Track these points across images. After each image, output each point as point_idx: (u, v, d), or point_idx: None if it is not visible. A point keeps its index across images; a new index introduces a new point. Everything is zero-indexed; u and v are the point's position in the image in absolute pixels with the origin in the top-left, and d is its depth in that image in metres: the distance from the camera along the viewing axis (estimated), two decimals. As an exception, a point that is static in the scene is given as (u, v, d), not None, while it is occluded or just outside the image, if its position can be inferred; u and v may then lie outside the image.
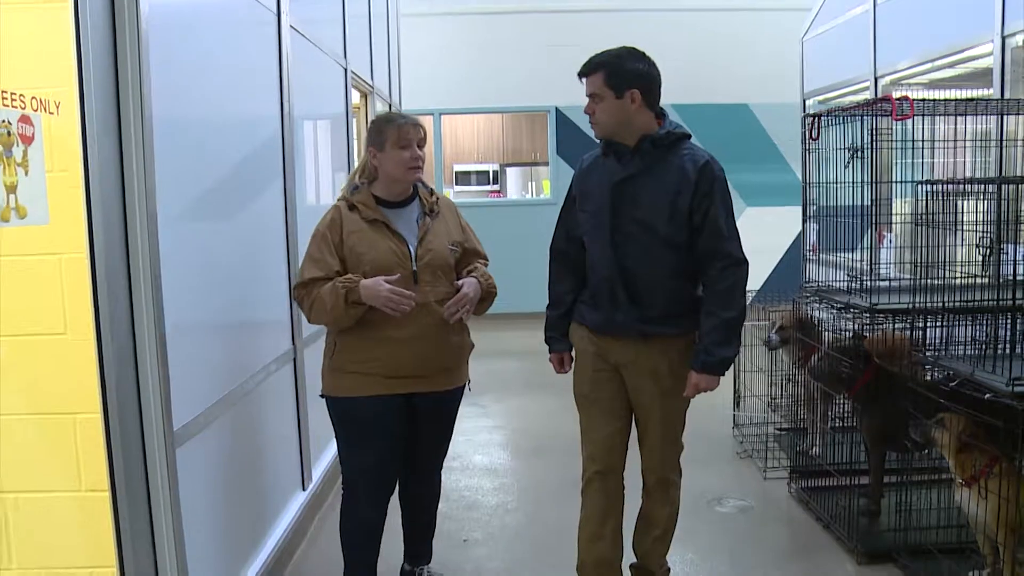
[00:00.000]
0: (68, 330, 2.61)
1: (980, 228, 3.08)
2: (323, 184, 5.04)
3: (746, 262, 3.02)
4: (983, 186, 3.11)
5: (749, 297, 5.20)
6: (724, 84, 10.37)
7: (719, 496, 4.57)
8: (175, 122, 2.72)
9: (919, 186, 3.30)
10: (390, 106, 7.95)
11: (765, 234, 9.30)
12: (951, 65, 5.87)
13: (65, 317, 2.60)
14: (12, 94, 2.19)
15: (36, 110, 2.27)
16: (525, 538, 4.24)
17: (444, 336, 3.15)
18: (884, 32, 6.59)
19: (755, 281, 6.69)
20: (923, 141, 4.40)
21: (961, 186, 3.23)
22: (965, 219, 3.22)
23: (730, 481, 4.86)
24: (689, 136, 3.08)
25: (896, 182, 4.00)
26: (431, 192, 3.27)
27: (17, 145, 2.19)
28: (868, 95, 6.72)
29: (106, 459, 2.42)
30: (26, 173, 2.21)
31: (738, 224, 2.98)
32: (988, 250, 2.97)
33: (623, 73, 2.97)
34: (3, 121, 2.14)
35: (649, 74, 3.01)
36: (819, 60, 8.01)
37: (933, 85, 6.76)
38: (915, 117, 4.34)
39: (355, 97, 6.35)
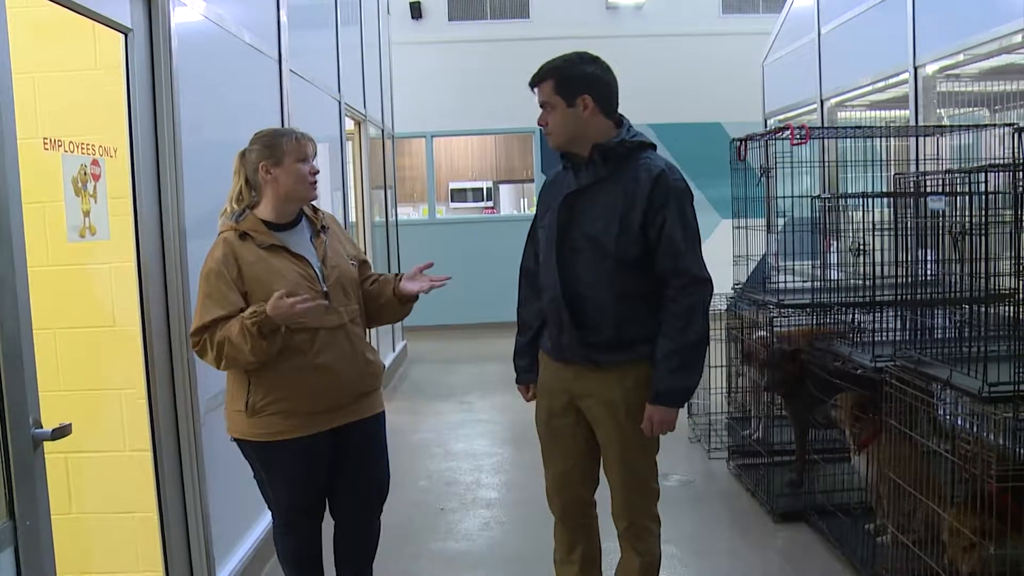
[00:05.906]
0: (116, 323, 3.27)
1: (855, 236, 3.74)
2: (323, 201, 5.73)
3: (708, 281, 2.76)
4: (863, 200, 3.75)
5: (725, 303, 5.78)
6: (698, 105, 11.04)
7: (666, 473, 5.16)
8: (198, 153, 3.38)
9: (815, 200, 3.97)
10: (383, 131, 8.67)
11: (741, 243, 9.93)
12: (882, 90, 6.54)
13: (113, 313, 3.27)
14: (87, 144, 2.91)
15: (102, 155, 2.97)
16: (495, 505, 4.91)
17: (363, 356, 2.96)
18: (828, 58, 7.26)
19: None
20: (836, 162, 5.11)
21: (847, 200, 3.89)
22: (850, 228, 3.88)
23: (679, 461, 5.51)
24: (651, 145, 2.82)
25: (787, 197, 4.62)
26: (315, 209, 3.04)
27: (90, 181, 2.89)
28: (816, 116, 7.43)
29: (149, 425, 3.10)
30: (95, 201, 2.91)
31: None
32: (857, 252, 3.63)
33: (573, 79, 2.74)
34: (82, 165, 2.86)
35: (601, 77, 2.78)
36: (777, 83, 8.69)
37: (874, 106, 7.42)
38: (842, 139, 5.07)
39: (349, 124, 7.09)
